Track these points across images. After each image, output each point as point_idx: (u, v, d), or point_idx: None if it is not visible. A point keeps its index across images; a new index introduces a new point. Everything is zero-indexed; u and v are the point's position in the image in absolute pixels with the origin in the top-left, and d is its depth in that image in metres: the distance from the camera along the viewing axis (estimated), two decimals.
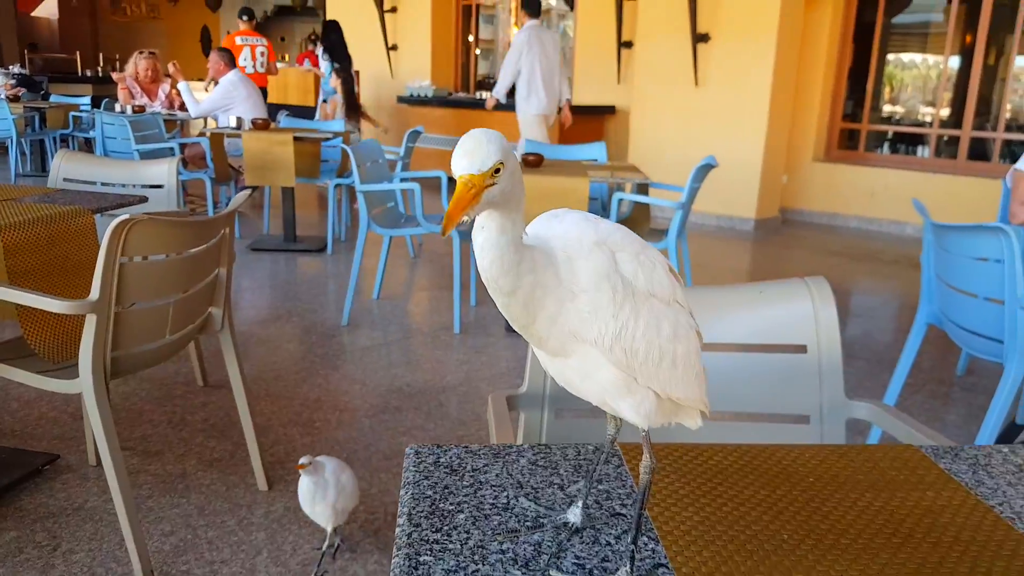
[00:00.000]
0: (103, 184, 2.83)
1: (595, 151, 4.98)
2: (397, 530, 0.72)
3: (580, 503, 0.77)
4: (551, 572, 0.68)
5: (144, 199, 2.46)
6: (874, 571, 0.68)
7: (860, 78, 7.71)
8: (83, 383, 1.71)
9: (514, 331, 3.02)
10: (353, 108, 6.94)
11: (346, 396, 3.11)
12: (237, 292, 4.48)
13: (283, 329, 3.92)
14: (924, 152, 7.90)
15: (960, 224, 2.38)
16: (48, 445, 2.52)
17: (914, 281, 5.69)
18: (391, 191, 4.37)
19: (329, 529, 2.02)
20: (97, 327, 1.69)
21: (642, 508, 0.72)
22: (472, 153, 0.63)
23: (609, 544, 0.73)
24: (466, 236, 4.09)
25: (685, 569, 0.68)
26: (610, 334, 0.67)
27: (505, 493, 0.79)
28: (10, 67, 11.07)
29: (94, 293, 1.66)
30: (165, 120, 6.16)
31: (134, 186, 2.87)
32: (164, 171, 2.80)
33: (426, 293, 4.80)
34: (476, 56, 10.78)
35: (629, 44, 8.44)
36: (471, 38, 10.59)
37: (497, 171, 0.62)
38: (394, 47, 10.19)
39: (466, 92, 10.33)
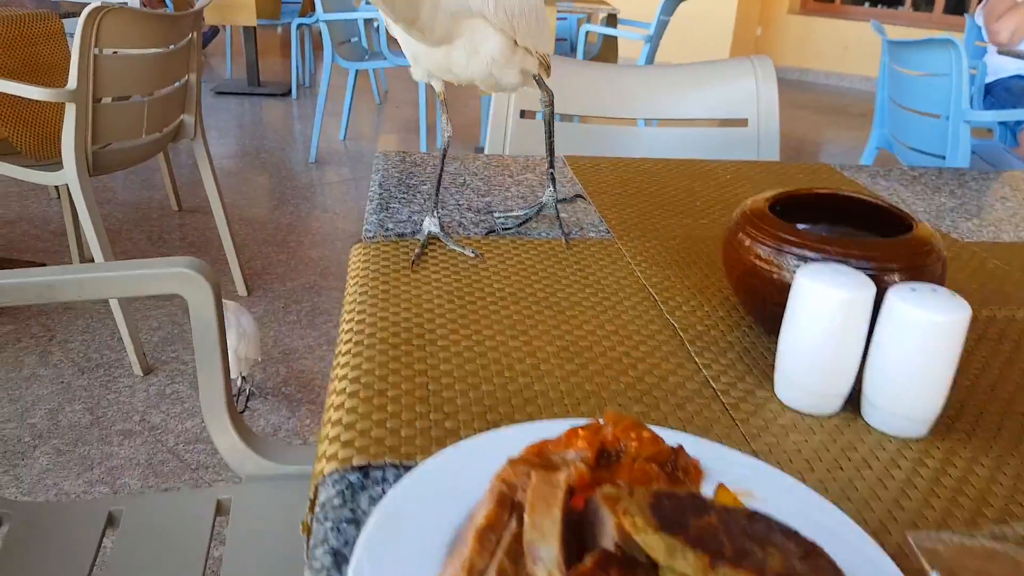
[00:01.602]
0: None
1: None
2: (371, 192, 0.85)
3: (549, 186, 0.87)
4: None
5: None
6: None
7: None
8: (68, 174, 1.79)
9: None
10: None
11: (317, 223, 3.21)
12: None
13: (253, 164, 3.96)
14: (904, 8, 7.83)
15: (912, 39, 2.47)
16: (33, 258, 2.61)
17: None
18: (355, 24, 4.30)
19: (235, 377, 1.89)
20: (77, 117, 1.75)
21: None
22: None
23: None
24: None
25: (612, 218, 0.82)
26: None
27: (462, 178, 0.92)
28: None
29: (71, 83, 1.72)
30: None
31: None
32: None
33: (393, 136, 4.82)
34: None
35: None
36: None
37: None
38: None
39: None
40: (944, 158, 2.46)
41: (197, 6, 2.05)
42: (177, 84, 2.10)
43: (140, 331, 2.20)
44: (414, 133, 4.69)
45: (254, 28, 5.24)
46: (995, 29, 3.07)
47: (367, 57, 4.29)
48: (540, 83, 0.84)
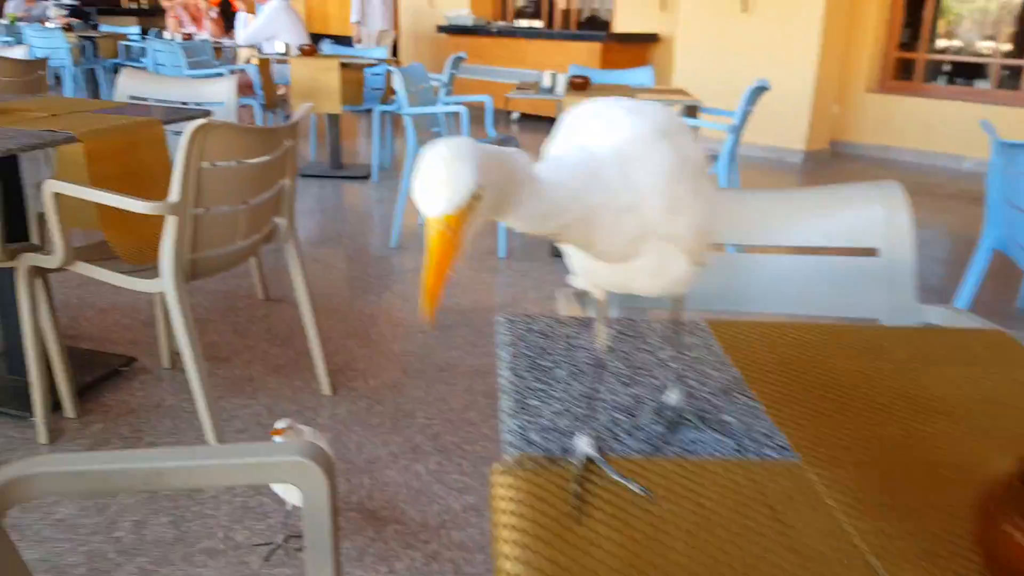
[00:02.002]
0: (165, 101, 2.89)
1: (642, 75, 4.91)
2: (501, 380, 0.77)
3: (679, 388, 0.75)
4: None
5: (208, 113, 2.51)
6: (976, 439, 0.71)
7: (917, 5, 7.40)
8: (165, 282, 1.80)
9: (560, 255, 3.03)
10: None
11: (399, 313, 3.19)
12: None
13: (334, 251, 4.01)
14: (983, 85, 7.64)
15: None
16: (124, 349, 2.65)
17: (974, 215, 5.59)
18: (436, 116, 4.38)
19: (289, 507, 1.78)
20: (177, 228, 1.76)
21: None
22: (438, 185, 0.50)
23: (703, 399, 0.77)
24: None
25: (785, 422, 0.72)
26: (689, 227, 0.64)
27: (590, 355, 0.84)
28: None
29: (174, 195, 1.73)
30: (213, 47, 6.20)
31: (195, 104, 2.92)
32: (224, 89, 2.84)
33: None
34: None
35: None
36: None
37: (477, 197, 0.51)
38: None
39: (505, 20, 10.16)
40: None
41: (294, 118, 2.08)
42: (273, 190, 2.12)
43: (226, 433, 2.17)
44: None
45: (338, 114, 5.41)
46: None
47: None
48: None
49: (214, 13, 7.08)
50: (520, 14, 10.47)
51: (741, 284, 1.45)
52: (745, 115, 3.84)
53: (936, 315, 1.42)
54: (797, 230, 1.44)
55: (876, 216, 1.43)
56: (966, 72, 7.90)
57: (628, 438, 0.69)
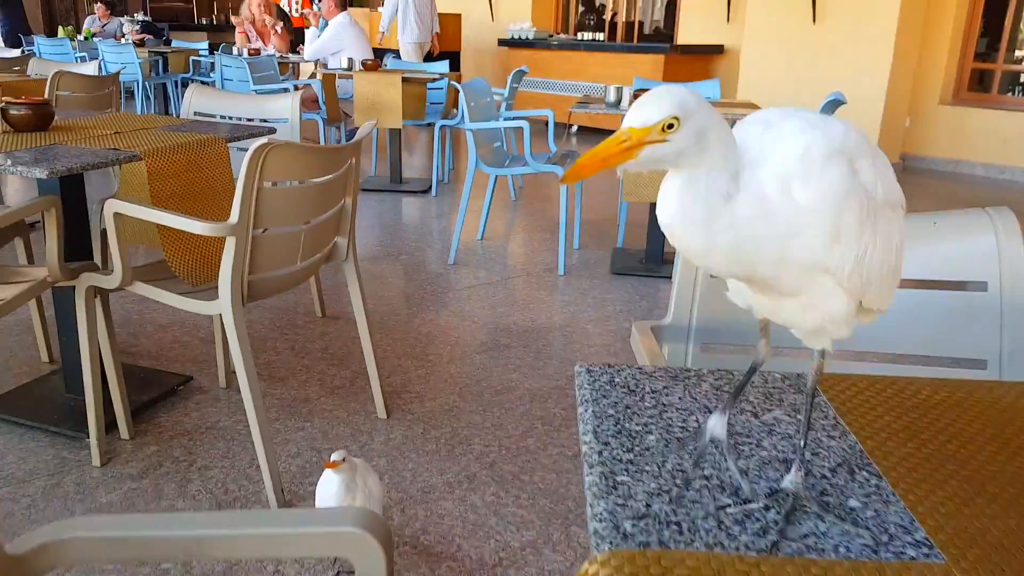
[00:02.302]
0: (230, 118, 2.89)
1: (709, 88, 4.77)
2: (584, 448, 0.68)
3: (727, 413, 0.68)
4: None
5: (273, 130, 2.50)
6: None
7: (997, 13, 7.08)
8: (223, 304, 1.76)
9: (621, 273, 2.89)
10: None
11: (456, 332, 3.12)
12: None
13: (393, 267, 3.97)
14: None
15: None
16: (181, 367, 2.63)
17: None
18: (497, 131, 4.32)
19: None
20: (236, 250, 1.72)
21: (810, 411, 0.66)
22: (642, 106, 0.56)
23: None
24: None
25: (922, 508, 0.61)
26: (852, 258, 0.58)
27: (694, 417, 0.74)
28: (134, 14, 11.50)
29: (234, 216, 1.69)
30: (279, 63, 6.28)
31: (259, 120, 2.91)
32: (287, 106, 2.83)
33: (528, 235, 4.76)
34: None
35: None
36: None
37: (670, 126, 0.55)
38: None
39: (567, 34, 10.09)
40: None
41: (358, 135, 2.03)
42: (334, 209, 2.07)
43: (280, 458, 2.12)
44: (551, 232, 4.60)
45: (399, 128, 5.40)
46: None
47: (508, 163, 4.27)
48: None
49: (280, 29, 7.19)
50: (582, 26, 10.39)
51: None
52: None
53: None
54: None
55: (986, 246, 1.29)
56: None
57: (737, 529, 0.59)
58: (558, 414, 2.48)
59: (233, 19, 7.45)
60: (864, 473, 0.65)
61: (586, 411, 0.72)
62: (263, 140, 1.66)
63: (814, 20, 6.81)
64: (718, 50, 8.39)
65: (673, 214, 0.57)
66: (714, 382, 0.81)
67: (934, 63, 7.17)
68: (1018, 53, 7.58)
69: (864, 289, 0.61)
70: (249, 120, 2.90)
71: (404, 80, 5.22)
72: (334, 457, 1.59)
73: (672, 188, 0.57)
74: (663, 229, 0.58)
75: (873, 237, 0.59)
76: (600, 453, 0.66)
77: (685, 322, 1.31)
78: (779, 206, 0.56)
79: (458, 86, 4.00)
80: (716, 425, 0.67)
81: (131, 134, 2.16)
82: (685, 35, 8.67)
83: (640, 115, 0.55)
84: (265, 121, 2.89)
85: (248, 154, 1.64)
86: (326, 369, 2.70)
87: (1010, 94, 7.40)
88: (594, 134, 8.40)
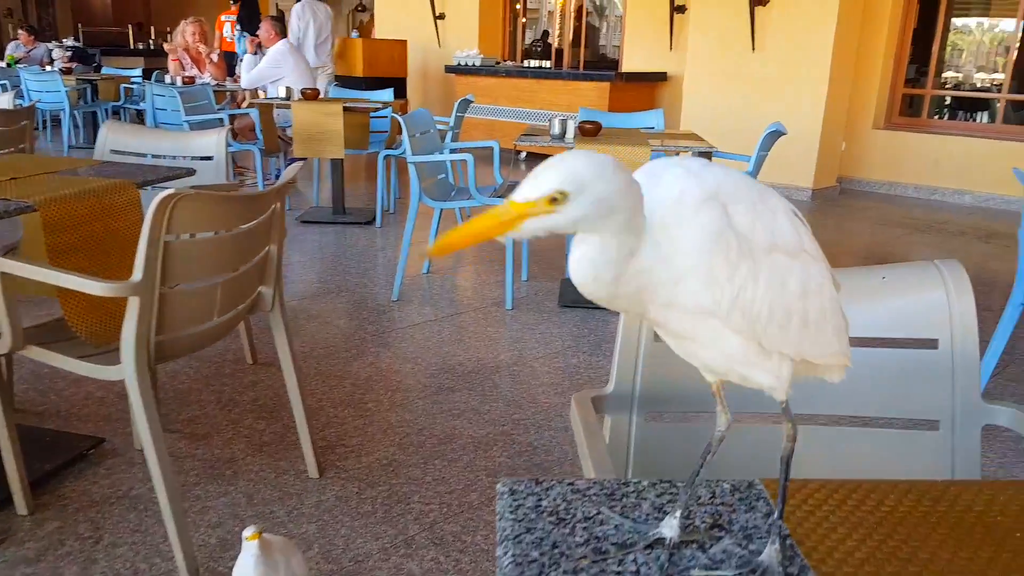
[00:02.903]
0: (152, 156, 2.73)
1: (652, 119, 4.76)
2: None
3: (678, 513, 0.66)
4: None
5: (192, 171, 2.34)
6: None
7: (925, 40, 7.29)
8: (125, 369, 1.60)
9: (569, 306, 2.83)
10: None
11: (398, 375, 2.99)
12: (286, 266, 4.39)
13: (333, 304, 3.82)
14: (984, 118, 7.50)
15: None
16: (94, 427, 2.44)
17: (981, 253, 5.39)
18: (442, 163, 4.21)
19: None
20: (140, 310, 1.57)
21: (786, 479, 0.66)
22: (530, 179, 0.57)
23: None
24: None
25: None
26: (727, 299, 0.60)
27: (631, 556, 0.62)
28: (64, 40, 11.14)
29: (137, 274, 1.55)
30: (215, 91, 6.09)
31: (184, 158, 2.76)
32: (213, 142, 2.68)
33: (476, 267, 4.65)
34: (523, 24, 10.51)
35: (682, 9, 8.10)
36: (518, 6, 10.32)
37: (555, 200, 0.55)
38: (441, 16, 9.97)
39: (514, 61, 10.09)
40: None
41: (281, 179, 1.90)
42: (257, 258, 1.93)
43: (198, 528, 1.95)
44: (499, 264, 4.50)
45: (341, 159, 5.27)
46: None
47: (454, 195, 4.17)
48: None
49: (215, 57, 7.00)
50: (529, 54, 10.40)
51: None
52: (760, 161, 3.66)
53: (1005, 417, 1.21)
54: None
55: (936, 302, 1.22)
56: (970, 107, 7.77)
57: None
58: (503, 463, 2.36)
59: (166, 47, 7.24)
60: None
61: (505, 555, 0.60)
62: (170, 190, 1.52)
63: (753, 49, 6.90)
64: (662, 77, 8.45)
65: (584, 275, 0.59)
66: (655, 500, 0.70)
67: (867, 89, 7.33)
68: (946, 75, 7.81)
69: (755, 329, 0.62)
70: (172, 158, 2.74)
71: (346, 109, 5.10)
72: (247, 532, 1.45)
73: (582, 252, 0.58)
74: (575, 284, 0.60)
75: (752, 280, 0.60)
76: None
77: (628, 390, 1.21)
78: (666, 253, 0.59)
79: (400, 118, 3.89)
80: (668, 529, 0.66)
81: (29, 180, 1.99)
82: (630, 63, 8.72)
83: (523, 190, 0.56)
84: (191, 159, 2.74)
85: (152, 207, 1.50)
86: (254, 424, 2.53)
87: (938, 117, 7.61)
88: (543, 160, 8.37)
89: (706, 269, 0.59)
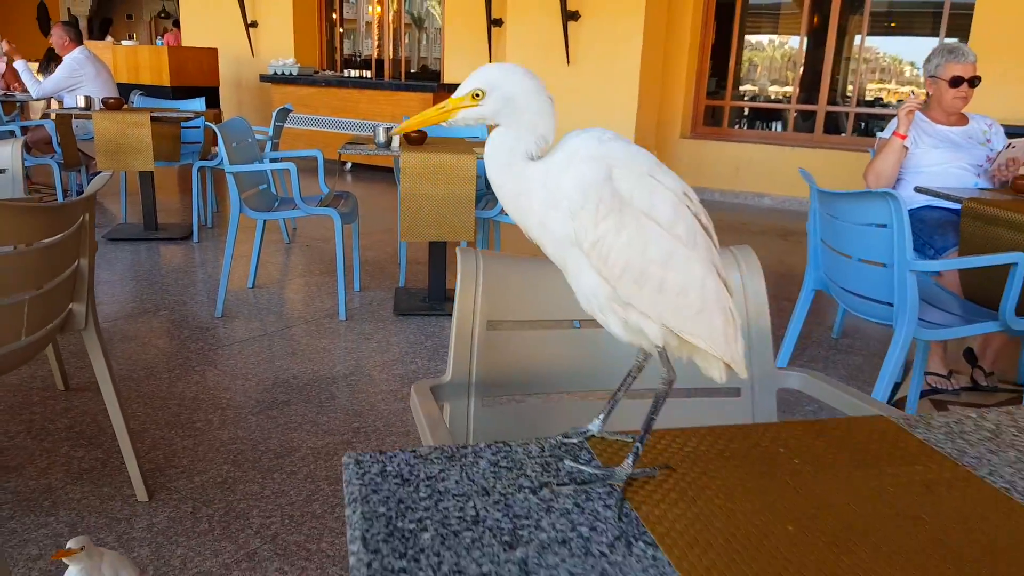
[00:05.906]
0: None
1: (476, 128, 4.89)
2: (352, 559, 0.61)
3: (602, 416, 0.84)
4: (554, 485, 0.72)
5: None
6: (887, 557, 0.64)
7: (723, 57, 7.99)
8: None
9: (405, 314, 2.90)
10: None
11: (227, 393, 2.89)
12: (96, 286, 4.08)
13: (151, 324, 3.61)
14: (778, 127, 8.34)
15: (849, 191, 2.47)
16: None
17: (781, 249, 6.01)
18: (263, 173, 4.11)
19: None
20: None
21: (653, 413, 0.77)
22: (464, 82, 0.75)
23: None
24: (348, 219, 3.90)
25: (695, 575, 0.61)
26: (589, 241, 0.71)
27: (471, 503, 0.69)
28: None
29: None
30: (3, 102, 5.55)
31: None
32: (6, 154, 2.47)
33: (305, 279, 4.56)
34: (340, 34, 10.40)
35: (499, 22, 8.37)
36: (334, 15, 10.20)
37: (476, 96, 0.74)
38: (254, 24, 9.66)
39: (333, 71, 9.95)
40: (891, 305, 2.41)
41: (89, 189, 1.80)
42: (65, 273, 1.82)
43: (16, 563, 1.80)
44: (330, 275, 4.45)
45: (151, 171, 4.98)
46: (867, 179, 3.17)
47: (277, 205, 4.07)
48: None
49: (2, 65, 6.38)
50: (349, 64, 10.30)
51: (584, 355, 1.36)
52: None
53: (795, 380, 1.40)
54: None
55: (731, 282, 1.39)
56: (766, 117, 8.62)
57: None
58: None
59: None
60: (641, 544, 0.64)
61: (354, 513, 0.65)
62: None
63: (568, 62, 7.26)
64: None
65: (487, 152, 0.74)
66: (491, 457, 0.77)
67: (674, 101, 7.92)
68: (744, 88, 8.61)
69: (609, 276, 0.72)
70: None
71: (154, 119, 4.82)
72: (70, 544, 1.36)
73: (494, 135, 0.75)
74: (485, 163, 0.75)
75: (615, 231, 0.70)
76: (369, 565, 0.59)
77: (465, 378, 1.28)
78: (550, 182, 0.72)
79: (215, 127, 3.75)
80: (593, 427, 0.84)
81: None
82: (451, 74, 8.88)
83: (459, 89, 0.75)
84: None
85: None
86: (72, 451, 2.36)
87: (738, 127, 8.37)
88: (370, 171, 8.32)
89: (578, 209, 0.70)
